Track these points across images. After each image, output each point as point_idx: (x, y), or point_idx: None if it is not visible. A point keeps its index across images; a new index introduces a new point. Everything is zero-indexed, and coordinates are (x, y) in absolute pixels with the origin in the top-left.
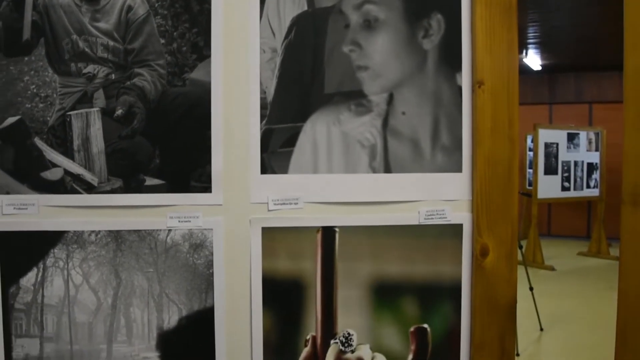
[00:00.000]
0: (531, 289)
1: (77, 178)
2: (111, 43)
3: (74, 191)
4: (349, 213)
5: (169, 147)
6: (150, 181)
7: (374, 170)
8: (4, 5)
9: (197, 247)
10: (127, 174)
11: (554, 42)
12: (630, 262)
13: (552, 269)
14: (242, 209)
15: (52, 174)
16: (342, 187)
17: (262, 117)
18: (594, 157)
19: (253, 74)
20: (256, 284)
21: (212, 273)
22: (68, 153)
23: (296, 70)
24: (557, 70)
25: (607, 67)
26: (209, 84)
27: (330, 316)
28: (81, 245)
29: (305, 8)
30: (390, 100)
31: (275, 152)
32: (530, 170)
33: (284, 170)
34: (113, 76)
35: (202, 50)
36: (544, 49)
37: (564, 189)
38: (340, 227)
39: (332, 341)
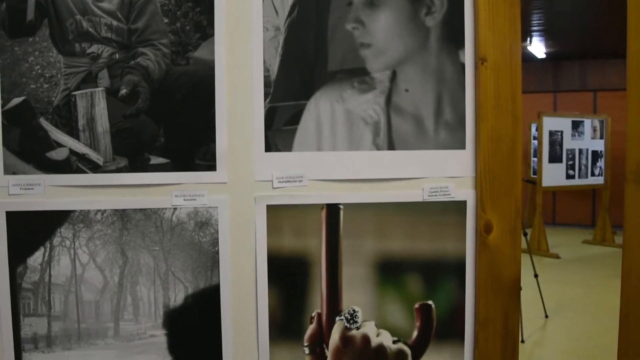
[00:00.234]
0: (536, 276)
1: (82, 157)
2: (115, 23)
3: (79, 171)
4: (353, 190)
5: (173, 125)
6: (155, 160)
7: (378, 148)
8: None
9: (203, 225)
10: (132, 153)
11: (559, 30)
12: (633, 239)
13: (557, 257)
14: (247, 186)
15: (58, 154)
16: (346, 164)
17: (266, 95)
18: (599, 145)
19: (256, 52)
20: (261, 262)
21: (218, 251)
22: (73, 133)
23: (299, 49)
24: (562, 58)
25: (612, 54)
26: (213, 62)
27: (336, 293)
28: (87, 224)
29: None
30: (393, 77)
31: (279, 130)
32: (535, 159)
33: (288, 148)
34: (117, 56)
35: (205, 29)
36: (549, 36)
37: (568, 177)
38: (345, 204)
39: (337, 318)
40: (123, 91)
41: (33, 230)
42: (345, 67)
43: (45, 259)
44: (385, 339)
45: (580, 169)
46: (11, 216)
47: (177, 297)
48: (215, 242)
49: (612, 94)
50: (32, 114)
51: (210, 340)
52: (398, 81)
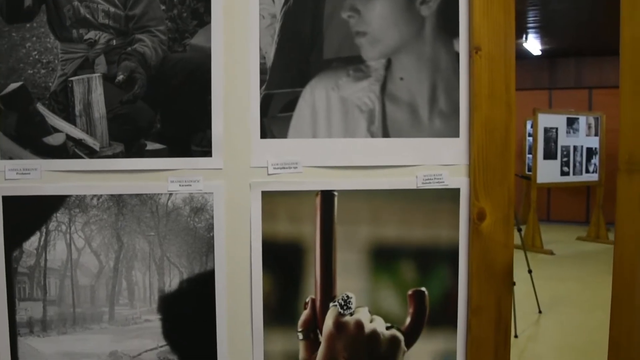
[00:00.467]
0: (530, 271)
1: (79, 143)
2: (112, 9)
3: (76, 156)
4: (348, 177)
5: (169, 112)
6: (151, 146)
7: (372, 135)
8: None
9: (198, 210)
10: (128, 139)
11: (554, 27)
12: (625, 229)
13: (551, 253)
14: (242, 173)
15: (54, 139)
16: (341, 152)
17: (262, 82)
18: (594, 142)
19: (253, 39)
20: (256, 248)
21: (213, 236)
22: (70, 118)
23: (295, 36)
24: (557, 55)
25: (608, 52)
26: (209, 49)
27: (330, 279)
28: (83, 209)
29: None
30: (388, 65)
31: (275, 117)
32: (530, 156)
33: (283, 134)
34: (114, 42)
35: (202, 17)
36: (544, 33)
37: (563, 173)
38: (339, 191)
39: (331, 304)
40: (120, 77)
41: (29, 214)
42: (340, 55)
43: (41, 243)
44: (379, 325)
45: (574, 165)
46: (7, 201)
47: (172, 282)
48: (210, 228)
49: (608, 92)
50: (29, 100)
51: (205, 325)
52: (393, 69)
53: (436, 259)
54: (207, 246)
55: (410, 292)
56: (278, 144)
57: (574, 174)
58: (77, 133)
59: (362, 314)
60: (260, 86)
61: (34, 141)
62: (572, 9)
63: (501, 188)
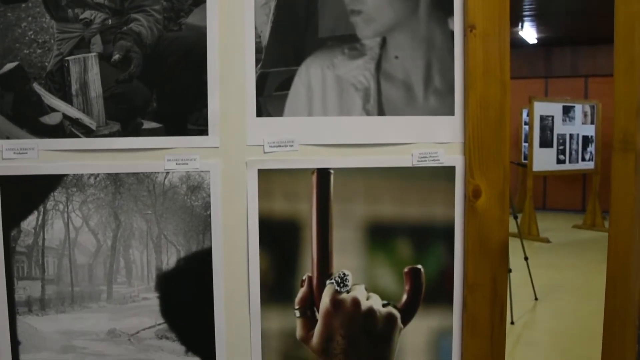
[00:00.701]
0: (526, 258)
1: (75, 122)
2: None
3: (72, 135)
4: (344, 155)
5: (165, 91)
6: (147, 124)
7: (368, 113)
8: None
9: (195, 189)
10: (125, 118)
11: (550, 15)
12: (620, 206)
13: (547, 241)
14: (239, 151)
15: (51, 119)
16: (337, 130)
17: (257, 61)
18: (590, 130)
19: (248, 18)
20: (253, 226)
21: (210, 215)
22: (66, 98)
23: (290, 15)
24: (553, 43)
25: (604, 40)
26: (205, 28)
27: (326, 257)
28: (80, 188)
29: None
30: (383, 44)
31: (271, 96)
32: (526, 144)
33: (279, 113)
34: (110, 21)
35: None
36: (540, 21)
37: (559, 161)
38: (335, 169)
39: (327, 281)
40: (116, 56)
41: (26, 194)
42: (335, 33)
43: (39, 222)
44: (375, 303)
45: (570, 154)
46: (5, 180)
47: (170, 260)
48: (207, 206)
49: (603, 80)
50: (26, 79)
51: (203, 303)
52: (388, 48)
53: (432, 237)
54: (204, 224)
55: (406, 269)
56: (274, 123)
57: (570, 162)
58: (73, 112)
59: (359, 292)
60: (256, 65)
61: (31, 121)
62: None
63: (496, 165)
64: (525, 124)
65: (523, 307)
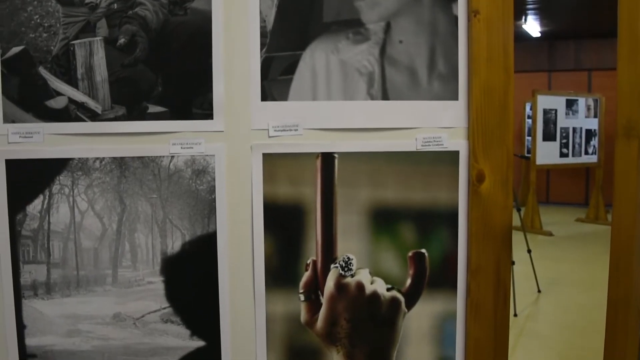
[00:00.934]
0: (529, 251)
1: (81, 106)
2: None
3: (78, 119)
4: (348, 139)
5: (171, 75)
6: (153, 109)
7: (372, 98)
8: None
9: (200, 173)
10: (130, 102)
11: (553, 8)
12: (623, 192)
13: (550, 234)
14: (243, 135)
15: (57, 103)
16: (341, 114)
17: (262, 45)
18: (593, 124)
19: (253, 3)
20: (257, 210)
21: (215, 198)
22: (72, 81)
23: (295, 0)
24: (557, 37)
25: (607, 34)
26: (210, 13)
27: (330, 241)
28: (86, 172)
29: None
30: (387, 29)
31: (275, 80)
32: (529, 138)
33: (283, 97)
34: (115, 6)
35: None
36: (544, 15)
37: (562, 155)
38: (340, 153)
39: (332, 266)
40: (121, 40)
41: (32, 178)
42: (340, 18)
43: (45, 206)
44: (379, 287)
45: (574, 147)
46: (10, 164)
47: (175, 244)
48: (212, 190)
49: (607, 74)
50: (32, 63)
51: (207, 287)
52: (392, 32)
53: (436, 221)
54: (209, 208)
55: (410, 253)
56: (279, 107)
57: (573, 155)
58: (79, 96)
59: (363, 276)
60: (261, 49)
61: (37, 105)
62: None
63: (500, 150)
64: (529, 117)
65: (526, 300)
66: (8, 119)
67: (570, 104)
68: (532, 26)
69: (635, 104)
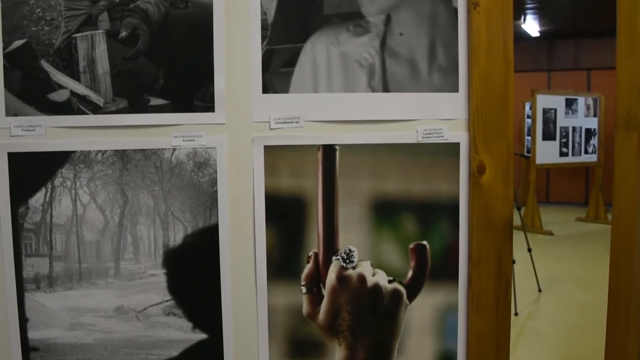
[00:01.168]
0: (529, 250)
1: (83, 99)
2: None
3: (80, 112)
4: (349, 131)
5: (172, 68)
6: (154, 101)
7: (373, 90)
8: None
9: (201, 165)
10: (132, 95)
11: (552, 8)
12: (623, 184)
13: (550, 233)
14: (245, 127)
15: (59, 96)
16: (342, 106)
17: (263, 38)
18: (592, 123)
19: None
20: (259, 202)
21: (216, 191)
22: (74, 75)
23: None
24: (556, 36)
25: (606, 33)
26: (211, 5)
27: (332, 233)
28: (88, 165)
29: None
30: (387, 21)
31: (277, 72)
32: (529, 137)
33: (285, 89)
34: None
35: None
36: (542, 14)
37: (562, 154)
38: (341, 145)
39: (333, 258)
40: (123, 34)
41: (34, 171)
42: (340, 10)
43: (47, 199)
44: (381, 279)
45: (573, 146)
46: (13, 157)
47: (177, 237)
48: (213, 182)
49: (606, 73)
50: (34, 56)
51: (210, 280)
52: (392, 25)
53: (437, 213)
54: (211, 200)
55: (411, 245)
56: (280, 99)
57: (572, 154)
58: (81, 89)
59: (365, 268)
60: (262, 42)
61: (39, 98)
62: None
63: (500, 141)
64: (528, 117)
65: (527, 299)
66: (10, 112)
67: (569, 103)
68: (531, 26)
69: (635, 96)
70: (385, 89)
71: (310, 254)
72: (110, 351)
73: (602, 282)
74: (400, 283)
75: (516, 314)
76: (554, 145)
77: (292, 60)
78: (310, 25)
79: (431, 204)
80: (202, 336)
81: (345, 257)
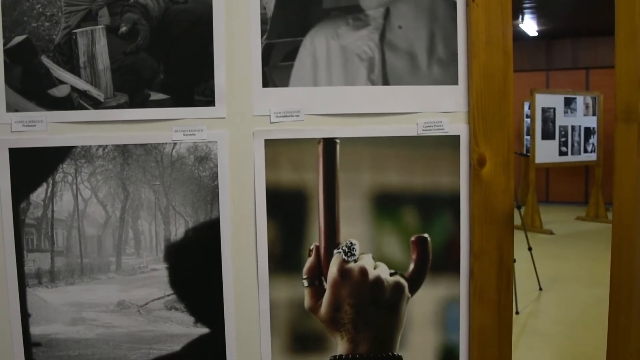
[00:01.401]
0: (530, 249)
1: (83, 94)
2: None
3: (81, 107)
4: (349, 124)
5: (172, 62)
6: (155, 96)
7: (373, 83)
8: None
9: (202, 159)
10: (132, 89)
11: (551, 7)
12: (623, 177)
13: (550, 233)
14: (245, 121)
15: (59, 91)
16: (342, 99)
17: (263, 32)
18: (591, 122)
19: None
20: (260, 195)
21: (217, 185)
22: (74, 70)
23: None
24: (554, 36)
25: (604, 32)
26: (211, 0)
27: (333, 226)
28: (89, 159)
29: None
30: (386, 14)
31: (276, 66)
32: (528, 137)
33: (285, 83)
34: None
35: None
36: (541, 14)
37: (561, 153)
38: (341, 139)
39: (335, 251)
40: (123, 29)
41: (35, 166)
42: (339, 4)
43: (48, 194)
44: (383, 272)
45: (573, 145)
46: (14, 153)
47: (178, 231)
48: (214, 176)
49: (604, 72)
50: (34, 52)
51: (211, 274)
52: (391, 18)
53: (438, 205)
54: (212, 195)
55: (413, 238)
56: (280, 93)
57: (572, 153)
58: (81, 84)
59: (366, 261)
60: (262, 36)
61: (39, 93)
62: None
63: (500, 133)
64: (527, 116)
65: (528, 297)
66: (11, 108)
67: (568, 102)
68: (530, 25)
69: (634, 88)
70: (385, 82)
71: (311, 247)
72: (112, 346)
73: (603, 280)
74: (402, 276)
75: (517, 313)
76: (553, 145)
77: (292, 54)
78: (309, 19)
79: (432, 197)
80: (204, 330)
81: (346, 250)
